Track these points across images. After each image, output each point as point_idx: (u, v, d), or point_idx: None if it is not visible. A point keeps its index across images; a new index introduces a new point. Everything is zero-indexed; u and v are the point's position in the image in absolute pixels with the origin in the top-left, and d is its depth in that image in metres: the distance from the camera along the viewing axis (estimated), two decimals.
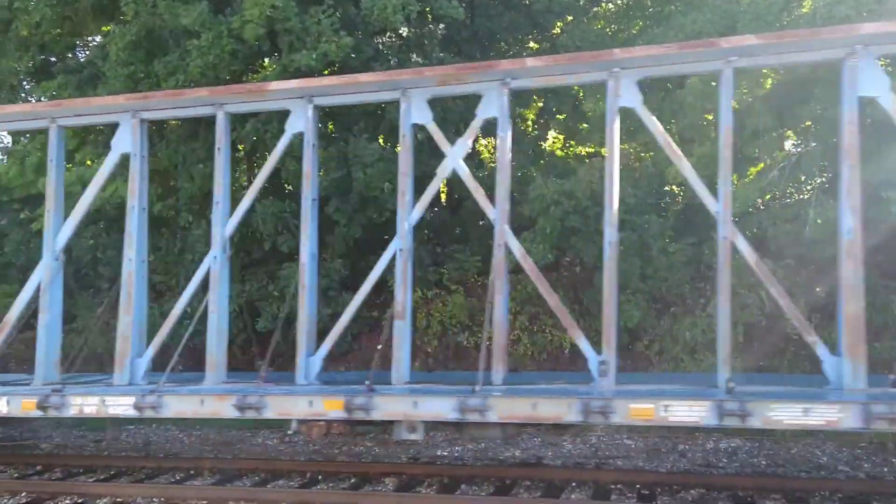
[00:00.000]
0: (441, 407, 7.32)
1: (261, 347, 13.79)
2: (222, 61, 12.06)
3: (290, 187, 14.38)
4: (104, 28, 15.84)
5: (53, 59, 16.48)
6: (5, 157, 16.82)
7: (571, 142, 16.63)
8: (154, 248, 14.70)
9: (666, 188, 13.59)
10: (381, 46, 13.86)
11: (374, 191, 12.56)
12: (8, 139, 19.23)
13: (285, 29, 12.11)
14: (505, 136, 8.37)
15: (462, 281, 13.92)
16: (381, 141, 13.37)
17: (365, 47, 13.10)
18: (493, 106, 8.31)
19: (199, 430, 11.92)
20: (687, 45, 8.19)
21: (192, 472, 9.36)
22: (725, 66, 7.63)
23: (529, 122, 17.05)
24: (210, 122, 14.45)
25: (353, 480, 8.77)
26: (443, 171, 8.71)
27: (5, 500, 8.23)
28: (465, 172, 8.66)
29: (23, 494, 8.36)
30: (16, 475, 9.36)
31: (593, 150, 15.29)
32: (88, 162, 16.02)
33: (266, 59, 12.74)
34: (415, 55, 14.51)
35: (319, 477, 8.96)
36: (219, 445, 11.13)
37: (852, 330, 7.11)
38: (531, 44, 16.73)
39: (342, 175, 12.81)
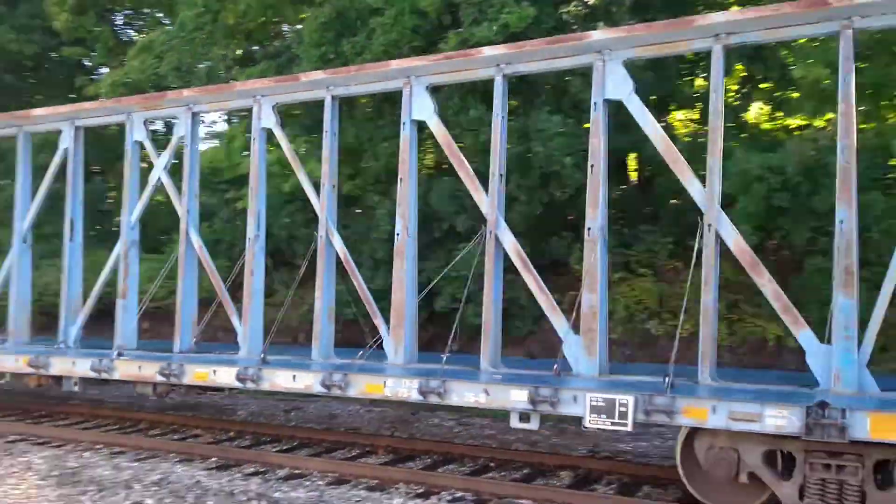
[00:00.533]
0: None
1: (440, 327, 13.78)
2: (404, 37, 11.98)
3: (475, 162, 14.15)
4: (301, 15, 16.48)
5: (255, 46, 17.37)
6: (216, 140, 18.09)
7: (779, 112, 14.94)
8: (343, 226, 15.14)
9: (892, 162, 11.77)
10: (564, 16, 13.14)
11: (555, 165, 11.94)
12: (217, 125, 20.77)
13: (466, 1, 11.80)
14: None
15: (651, 264, 12.96)
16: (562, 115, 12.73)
17: (546, 18, 12.47)
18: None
19: (380, 407, 12.06)
20: None
21: (367, 448, 9.40)
22: None
23: (731, 92, 15.53)
24: (395, 98, 14.63)
25: (526, 471, 8.35)
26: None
27: (198, 463, 8.70)
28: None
29: (213, 459, 8.79)
30: (210, 440, 9.91)
31: (804, 121, 13.62)
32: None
33: (448, 34, 12.46)
34: (602, 24, 13.63)
35: (491, 464, 8.62)
36: (397, 423, 11.16)
37: None
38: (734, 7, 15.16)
39: (522, 149, 12.32)
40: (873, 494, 5.81)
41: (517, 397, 6.98)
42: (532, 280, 8.26)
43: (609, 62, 7.76)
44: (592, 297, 7.78)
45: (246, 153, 16.40)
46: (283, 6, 16.68)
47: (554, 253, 13.17)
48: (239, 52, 17.74)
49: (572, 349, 7.79)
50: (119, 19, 22.88)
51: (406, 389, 7.64)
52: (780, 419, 5.87)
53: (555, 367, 7.65)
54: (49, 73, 21.72)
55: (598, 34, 8.07)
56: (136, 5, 21.11)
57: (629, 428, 6.43)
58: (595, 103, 7.89)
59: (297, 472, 8.29)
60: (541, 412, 6.97)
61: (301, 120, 15.48)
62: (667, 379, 6.53)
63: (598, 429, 6.71)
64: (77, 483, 8.18)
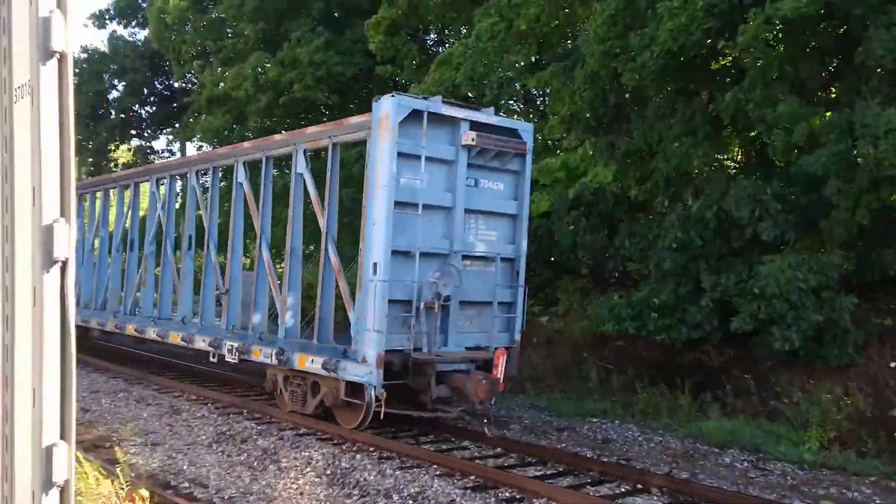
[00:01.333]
0: None
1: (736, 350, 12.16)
2: (695, 21, 10.69)
3: (780, 163, 12.29)
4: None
5: (539, 53, 17.12)
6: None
7: None
8: (629, 234, 14.17)
9: None
10: None
11: (889, 168, 9.73)
12: None
13: None
14: None
15: None
16: None
17: None
18: None
19: (660, 436, 10.89)
20: None
21: (638, 485, 8.41)
22: None
23: None
24: (688, 93, 13.28)
25: None
26: None
27: (456, 479, 8.46)
28: None
29: (471, 477, 8.49)
30: (475, 454, 9.67)
31: None
32: (581, 148, 16.33)
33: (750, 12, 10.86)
34: None
35: None
36: (678, 458, 9.93)
37: None
38: None
39: (844, 148, 10.25)
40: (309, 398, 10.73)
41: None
42: None
43: None
44: None
45: None
46: (574, 5, 16.20)
47: (888, 267, 10.83)
48: (532, 58, 17.68)
49: None
50: (429, 39, 24.31)
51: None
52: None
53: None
54: (367, 91, 23.77)
55: None
56: (441, 21, 22.16)
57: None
58: None
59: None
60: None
61: None
62: None
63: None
64: (345, 485, 8.42)
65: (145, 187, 17.22)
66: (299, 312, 11.85)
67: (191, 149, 32.90)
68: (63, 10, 2.05)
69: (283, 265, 12.71)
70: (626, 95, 14.91)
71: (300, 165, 11.46)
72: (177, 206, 16.24)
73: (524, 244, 10.95)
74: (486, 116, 10.44)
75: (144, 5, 28.22)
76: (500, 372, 9.69)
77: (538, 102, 19.93)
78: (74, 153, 2.08)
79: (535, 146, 15.63)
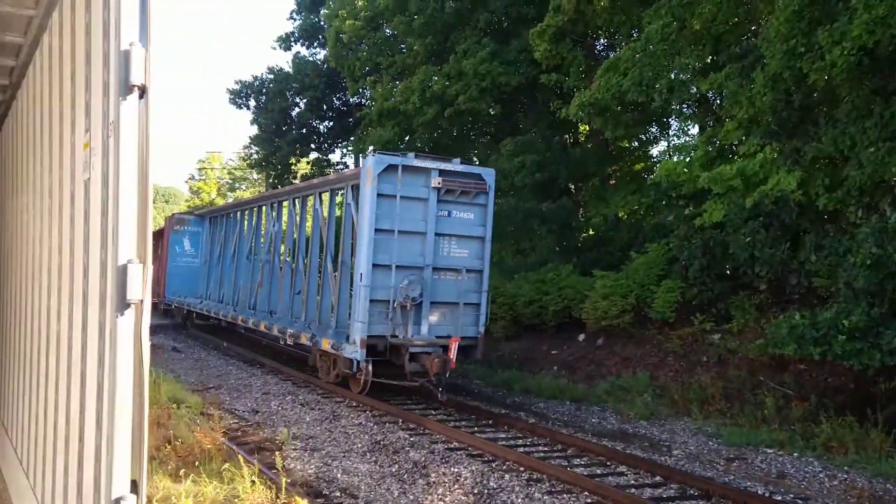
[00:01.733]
0: None
1: None
2: (895, 12, 9.49)
3: None
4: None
5: (713, 55, 16.08)
6: (674, 154, 17.23)
7: None
8: (816, 247, 12.90)
9: None
10: None
11: None
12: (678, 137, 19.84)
13: None
14: None
15: None
16: None
17: None
18: None
19: (845, 473, 9.73)
20: None
21: None
22: None
23: None
24: (886, 93, 11.85)
25: None
26: None
27: None
28: None
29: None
30: (631, 481, 9.13)
31: None
32: (761, 154, 15.12)
33: None
34: None
35: None
36: (866, 499, 8.81)
37: None
38: None
39: None
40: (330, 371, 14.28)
41: None
42: None
43: None
44: None
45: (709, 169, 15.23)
46: (754, 1, 15.08)
47: None
48: (707, 59, 16.66)
49: None
50: (598, 45, 23.68)
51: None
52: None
53: None
54: (532, 100, 23.58)
55: None
56: (609, 25, 21.49)
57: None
58: None
59: None
60: None
61: None
62: None
63: None
64: None
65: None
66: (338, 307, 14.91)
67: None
68: (145, 43, 2.00)
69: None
70: (814, 96, 13.62)
71: (349, 196, 14.57)
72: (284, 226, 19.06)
73: (488, 259, 14.17)
74: (453, 165, 13.58)
75: (325, 25, 29.76)
76: (452, 354, 12.80)
77: (713, 105, 18.75)
78: (152, 191, 2.01)
79: (705, 152, 14.78)
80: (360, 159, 33.13)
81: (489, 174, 13.98)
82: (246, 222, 21.38)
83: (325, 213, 16.72)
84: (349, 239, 14.40)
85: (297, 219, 17.39)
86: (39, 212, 3.92)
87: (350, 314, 13.53)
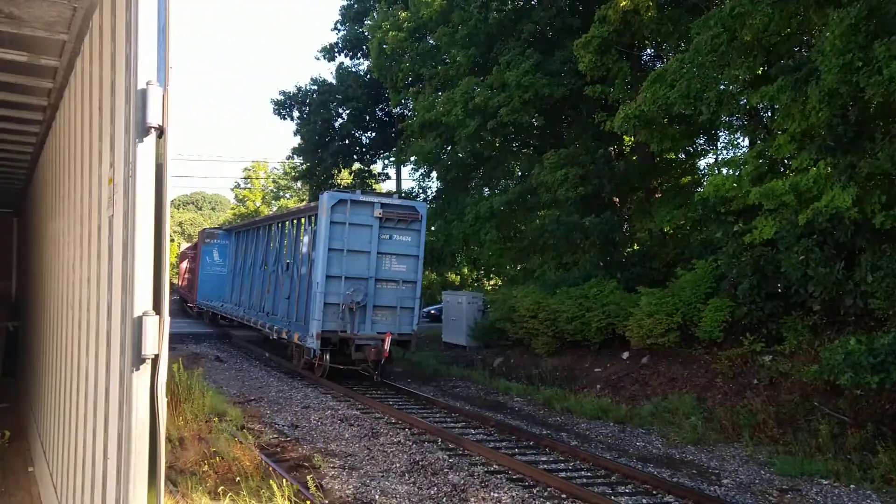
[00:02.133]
0: None
1: None
2: None
3: None
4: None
5: (768, 63, 15.62)
6: (722, 168, 16.75)
7: None
8: (872, 267, 12.38)
9: None
10: None
11: None
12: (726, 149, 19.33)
13: None
14: None
15: None
16: None
17: None
18: None
19: None
20: None
21: None
22: None
23: None
24: None
25: None
26: None
27: None
28: None
29: None
30: None
31: None
32: (815, 168, 14.62)
33: None
34: None
35: None
36: None
37: None
38: None
39: None
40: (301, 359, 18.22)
41: None
42: None
43: None
44: None
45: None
46: (808, 12, 14.61)
47: None
48: (758, 71, 16.21)
49: None
50: (644, 55, 23.31)
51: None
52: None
53: None
54: (575, 112, 23.29)
55: None
56: (656, 36, 21.13)
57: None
58: None
59: None
60: None
61: None
62: None
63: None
64: None
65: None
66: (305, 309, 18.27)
67: (405, 172, 34.32)
68: (163, 83, 1.87)
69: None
70: (870, 111, 13.10)
71: (309, 224, 18.74)
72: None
73: (421, 273, 17.75)
74: (392, 200, 18.08)
75: (368, 36, 29.91)
76: (386, 346, 16.46)
77: (764, 118, 18.23)
78: (170, 234, 1.87)
79: (756, 166, 14.41)
80: (402, 170, 33.28)
81: (422, 207, 17.85)
82: (258, 238, 24.36)
83: (299, 235, 20.01)
84: (308, 256, 18.21)
85: (286, 238, 20.89)
86: (72, 239, 3.86)
87: (310, 314, 17.05)
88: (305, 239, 19.00)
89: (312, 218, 18.17)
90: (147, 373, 1.79)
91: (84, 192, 3.44)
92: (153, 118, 1.83)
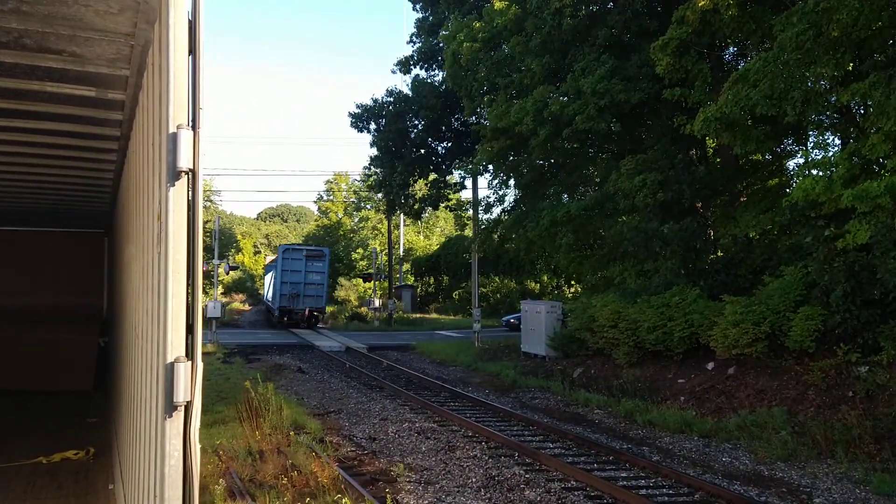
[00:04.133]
0: None
1: None
2: None
3: None
4: None
5: (859, 59, 14.82)
6: (812, 170, 15.97)
7: None
8: None
9: None
10: None
11: None
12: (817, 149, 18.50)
13: None
14: None
15: None
16: None
17: None
18: None
19: None
20: None
21: None
22: None
23: None
24: None
25: None
26: None
27: None
28: None
29: None
30: None
31: None
32: None
33: None
34: None
35: None
36: None
37: None
38: None
39: None
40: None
41: None
42: None
43: None
44: None
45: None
46: None
47: None
48: (848, 68, 15.42)
49: None
50: (727, 54, 22.58)
51: None
52: None
53: None
54: (653, 117, 22.73)
55: None
56: (738, 35, 20.40)
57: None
58: None
59: None
60: None
61: None
62: None
63: None
64: None
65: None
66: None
67: (482, 182, 34.22)
68: (195, 126, 1.86)
69: None
70: None
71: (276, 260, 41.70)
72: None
73: (326, 280, 40.38)
74: (310, 247, 45.46)
75: (443, 47, 30.08)
76: (306, 313, 38.64)
77: (856, 117, 17.31)
78: (201, 275, 1.85)
79: (848, 167, 13.83)
80: (478, 180, 33.28)
81: (326, 250, 42.01)
82: (272, 268, 44.78)
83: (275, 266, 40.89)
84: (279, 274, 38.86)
85: (274, 268, 42.31)
86: (138, 268, 3.97)
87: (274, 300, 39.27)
88: (276, 266, 40.03)
89: (277, 258, 40.64)
90: (179, 420, 1.77)
91: (145, 225, 3.53)
92: (184, 162, 1.83)
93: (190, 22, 2.00)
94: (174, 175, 1.85)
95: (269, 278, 46.83)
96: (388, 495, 8.78)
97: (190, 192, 1.86)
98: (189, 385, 1.78)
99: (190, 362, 1.80)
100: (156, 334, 2.06)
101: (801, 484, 10.53)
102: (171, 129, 1.85)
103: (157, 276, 2.36)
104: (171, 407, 1.77)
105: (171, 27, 1.96)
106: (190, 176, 1.85)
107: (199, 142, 1.84)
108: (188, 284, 1.84)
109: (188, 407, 1.80)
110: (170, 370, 1.77)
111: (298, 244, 53.63)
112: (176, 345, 1.81)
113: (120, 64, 3.63)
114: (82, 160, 6.65)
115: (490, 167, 29.11)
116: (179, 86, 1.86)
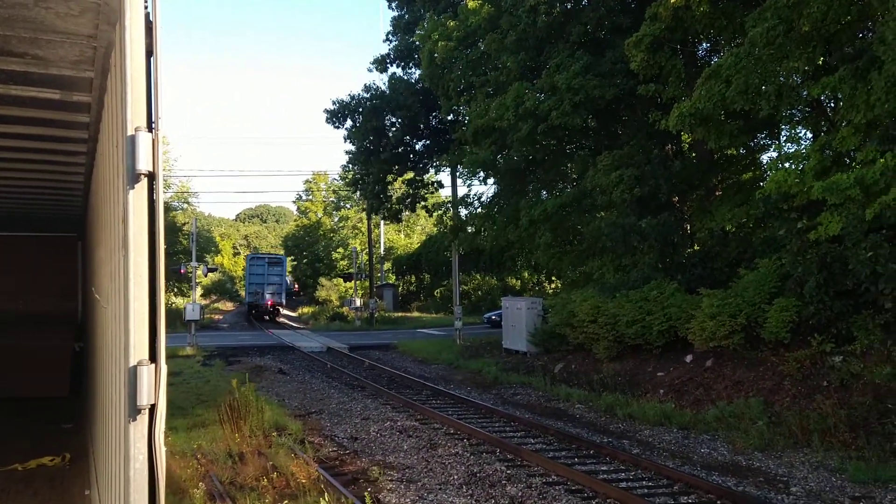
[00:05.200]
0: None
1: None
2: None
3: None
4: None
5: (829, 53, 15.00)
6: (785, 163, 16.15)
7: None
8: None
9: None
10: None
11: None
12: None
13: None
14: None
15: None
16: None
17: None
18: None
19: None
20: None
21: None
22: None
23: None
24: None
25: None
26: None
27: None
28: None
29: None
30: None
31: None
32: (881, 160, 13.98)
33: None
34: None
35: None
36: None
37: None
38: None
39: None
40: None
41: None
42: None
43: None
44: None
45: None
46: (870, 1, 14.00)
47: None
48: (818, 62, 15.61)
49: None
50: (700, 50, 22.75)
51: None
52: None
53: None
54: (629, 112, 22.87)
55: None
56: (710, 30, 20.57)
57: None
58: None
59: None
60: None
61: None
62: None
63: None
64: None
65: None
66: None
67: (458, 180, 34.25)
68: (153, 128, 1.85)
69: None
70: None
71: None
72: None
73: (285, 279, 53.55)
74: (270, 255, 59.66)
75: (419, 45, 30.03)
76: (271, 304, 49.83)
77: (827, 110, 17.53)
78: (165, 281, 1.85)
79: (819, 160, 13.98)
80: (456, 178, 33.27)
81: (283, 257, 59.62)
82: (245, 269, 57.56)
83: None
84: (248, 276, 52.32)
85: (245, 271, 56.22)
86: (107, 272, 3.94)
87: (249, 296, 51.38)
88: (245, 270, 52.73)
89: (246, 264, 53.79)
90: (144, 423, 1.77)
91: (112, 228, 3.51)
92: (143, 165, 1.82)
93: (149, 23, 1.99)
94: (133, 178, 1.84)
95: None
96: (368, 494, 8.77)
97: (150, 195, 1.86)
98: (153, 388, 1.77)
99: (153, 365, 1.79)
100: (121, 337, 2.05)
101: (777, 473, 10.68)
102: (130, 132, 1.84)
103: (122, 279, 2.35)
104: (134, 410, 1.77)
105: (128, 28, 1.95)
106: (149, 179, 1.85)
107: (159, 144, 1.84)
108: (150, 288, 1.84)
109: (153, 410, 1.79)
110: (133, 373, 1.76)
111: (262, 253, 65.01)
112: (139, 348, 1.80)
113: (83, 66, 3.60)
114: (52, 163, 6.58)
115: (468, 169, 29.12)
116: (137, 88, 1.85)
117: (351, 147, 34.33)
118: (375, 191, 34.12)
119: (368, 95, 33.15)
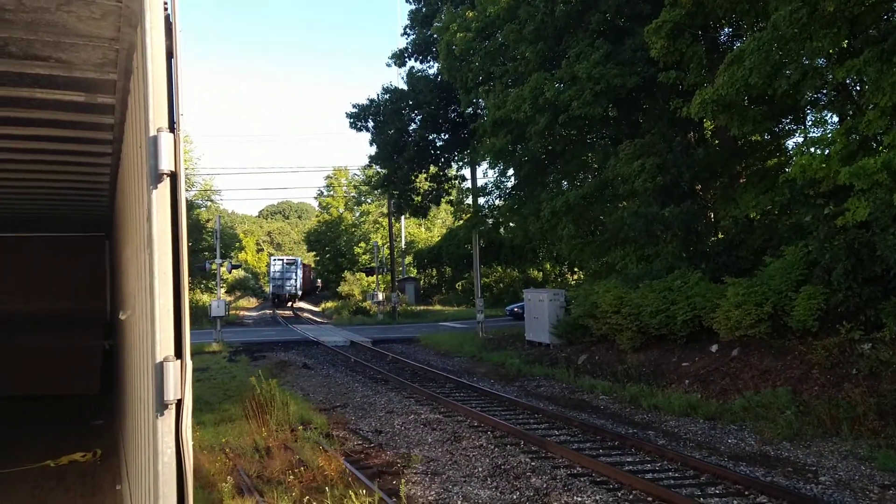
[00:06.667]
0: None
1: None
2: None
3: None
4: None
5: (853, 35, 14.75)
6: (810, 148, 15.92)
7: None
8: None
9: None
10: None
11: None
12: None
13: None
14: None
15: None
16: None
17: None
18: None
19: None
20: None
21: None
22: None
23: None
24: None
25: None
26: None
27: None
28: None
29: None
30: None
31: None
32: None
33: None
34: None
35: None
36: None
37: None
38: None
39: None
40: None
41: None
42: None
43: None
44: None
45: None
46: None
47: None
48: (843, 44, 15.36)
49: None
50: (722, 35, 22.48)
51: None
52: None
53: None
54: (650, 100, 22.67)
55: None
56: (733, 14, 20.32)
57: None
58: None
59: None
60: None
61: None
62: None
63: None
64: None
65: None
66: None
67: (479, 171, 34.19)
68: (174, 128, 1.88)
69: None
70: None
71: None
72: None
73: (299, 276, 67.12)
74: (289, 257, 74.45)
75: (436, 37, 29.98)
76: (287, 297, 66.83)
77: (853, 94, 17.26)
78: (189, 275, 1.88)
79: (845, 144, 13.78)
80: (476, 170, 33.22)
81: (298, 259, 70.79)
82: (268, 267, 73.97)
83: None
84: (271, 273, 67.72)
85: (269, 269, 72.59)
86: (135, 271, 4.01)
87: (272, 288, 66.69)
88: (269, 269, 70.10)
89: (269, 263, 71.38)
90: (171, 418, 1.80)
91: (137, 227, 3.56)
92: (165, 165, 1.85)
93: (169, 24, 2.02)
94: (156, 177, 1.87)
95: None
96: (395, 487, 8.83)
97: (172, 194, 1.89)
98: (179, 383, 1.81)
99: (179, 361, 1.83)
100: (147, 335, 2.08)
101: (806, 463, 10.57)
102: (152, 133, 1.87)
103: (147, 276, 2.39)
104: (161, 405, 1.80)
105: (149, 30, 1.98)
106: (171, 178, 1.88)
107: (181, 144, 1.87)
108: (174, 285, 1.87)
109: (179, 405, 1.83)
110: (159, 369, 1.80)
111: (281, 256, 76.71)
112: (164, 344, 1.84)
113: (107, 68, 3.66)
114: (78, 164, 6.69)
115: (487, 159, 29.07)
116: (159, 89, 1.88)
117: (373, 150, 34.46)
118: (403, 190, 34.34)
119: (388, 97, 33.19)
